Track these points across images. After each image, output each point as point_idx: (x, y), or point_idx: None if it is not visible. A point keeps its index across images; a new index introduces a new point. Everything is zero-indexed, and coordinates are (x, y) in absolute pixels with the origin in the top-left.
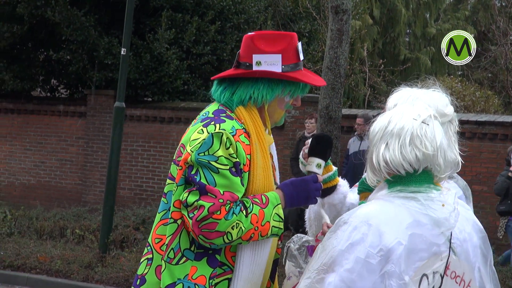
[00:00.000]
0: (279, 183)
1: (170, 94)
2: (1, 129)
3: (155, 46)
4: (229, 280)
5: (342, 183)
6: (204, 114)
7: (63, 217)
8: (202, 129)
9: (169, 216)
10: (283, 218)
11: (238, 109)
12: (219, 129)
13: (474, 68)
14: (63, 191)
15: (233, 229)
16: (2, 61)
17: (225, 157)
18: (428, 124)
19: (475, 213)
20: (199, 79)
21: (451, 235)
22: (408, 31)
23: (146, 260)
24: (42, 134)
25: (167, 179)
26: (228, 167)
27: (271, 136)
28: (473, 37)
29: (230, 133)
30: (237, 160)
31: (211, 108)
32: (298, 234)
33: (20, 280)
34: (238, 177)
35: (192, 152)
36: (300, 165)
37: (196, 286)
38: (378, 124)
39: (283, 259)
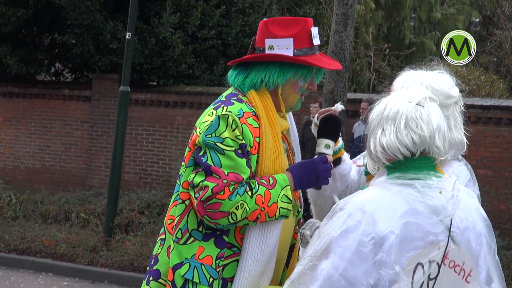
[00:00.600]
0: None
1: (175, 78)
2: (6, 113)
3: (160, 30)
4: (238, 261)
5: (346, 155)
6: (219, 98)
7: (68, 201)
8: (212, 112)
9: (178, 197)
10: (291, 199)
11: (249, 93)
12: (226, 111)
13: (479, 52)
14: (68, 175)
15: (237, 210)
16: (6, 45)
17: (231, 139)
18: (423, 106)
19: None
20: (204, 63)
21: (450, 223)
22: (413, 15)
23: (160, 241)
24: (47, 118)
25: (182, 162)
26: (233, 149)
27: (289, 120)
28: (478, 22)
29: (236, 115)
30: (243, 142)
31: (226, 92)
32: (311, 220)
33: (25, 264)
34: (244, 158)
35: (200, 134)
36: (312, 126)
37: (203, 266)
38: (376, 111)
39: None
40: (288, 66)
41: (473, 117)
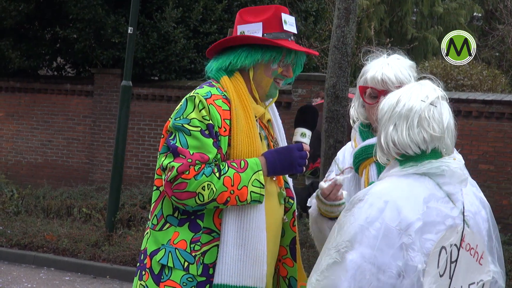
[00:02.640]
0: None
1: (177, 73)
2: (8, 108)
3: (162, 25)
4: (218, 246)
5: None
6: None
7: (70, 196)
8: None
9: (153, 184)
10: (263, 184)
11: (222, 79)
12: (193, 93)
13: (481, 47)
14: (70, 170)
15: (203, 190)
16: (8, 40)
17: (198, 120)
18: (436, 106)
19: (482, 192)
20: (206, 58)
21: (463, 207)
22: (415, 10)
23: (146, 235)
24: (49, 113)
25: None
26: (199, 129)
27: (272, 113)
28: (481, 16)
29: (203, 96)
30: (210, 122)
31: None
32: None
33: (27, 259)
34: (211, 138)
35: (171, 118)
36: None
37: (177, 250)
38: (387, 104)
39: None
40: (256, 48)
41: (475, 111)
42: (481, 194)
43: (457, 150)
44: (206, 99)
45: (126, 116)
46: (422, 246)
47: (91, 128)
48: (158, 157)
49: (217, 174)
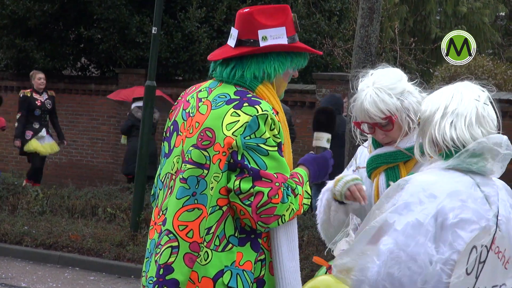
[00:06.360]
0: None
1: (201, 73)
2: None
3: (186, 25)
4: (261, 261)
5: None
6: (224, 96)
7: (95, 196)
8: (236, 112)
9: (215, 204)
10: (310, 195)
11: (259, 88)
12: (262, 111)
13: (505, 46)
14: (94, 170)
15: (287, 211)
16: (33, 40)
17: (272, 139)
18: (488, 105)
19: None
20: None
21: (498, 211)
22: (439, 9)
23: (170, 248)
24: (73, 113)
25: (186, 164)
26: (276, 149)
27: None
28: (505, 15)
29: (273, 113)
30: (280, 140)
31: (225, 89)
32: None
33: (52, 259)
34: (283, 157)
35: (236, 136)
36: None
37: (244, 272)
38: (435, 104)
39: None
40: (284, 55)
41: (500, 111)
42: None
43: None
44: (275, 116)
45: (150, 116)
46: (454, 241)
47: (115, 128)
48: (220, 175)
49: (293, 194)
